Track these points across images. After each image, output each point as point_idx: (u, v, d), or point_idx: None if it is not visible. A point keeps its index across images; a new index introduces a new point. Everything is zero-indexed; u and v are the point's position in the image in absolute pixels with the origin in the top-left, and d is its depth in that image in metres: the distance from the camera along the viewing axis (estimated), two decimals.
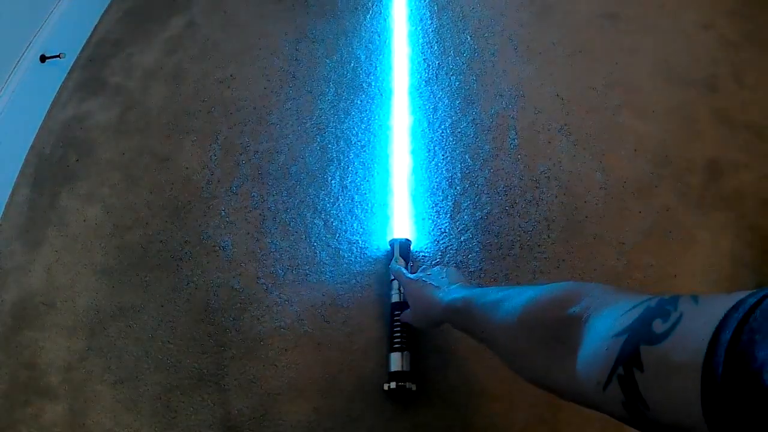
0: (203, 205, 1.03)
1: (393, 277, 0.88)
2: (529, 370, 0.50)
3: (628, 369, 0.33)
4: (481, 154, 1.04)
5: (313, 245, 0.97)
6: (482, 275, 0.92)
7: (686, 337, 0.30)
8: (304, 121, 1.11)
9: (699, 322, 0.30)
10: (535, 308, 0.48)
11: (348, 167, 1.05)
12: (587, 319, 0.41)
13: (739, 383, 0.26)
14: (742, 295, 0.29)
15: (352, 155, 1.06)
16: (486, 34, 1.19)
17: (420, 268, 0.83)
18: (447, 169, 1.03)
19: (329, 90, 1.14)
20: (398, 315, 0.84)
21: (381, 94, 1.13)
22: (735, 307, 0.29)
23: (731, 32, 1.14)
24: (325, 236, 0.98)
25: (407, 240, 0.93)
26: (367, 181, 1.03)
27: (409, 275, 0.82)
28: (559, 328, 0.44)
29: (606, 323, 0.38)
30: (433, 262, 0.94)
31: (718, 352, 0.28)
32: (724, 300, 0.30)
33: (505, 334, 0.52)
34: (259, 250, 0.97)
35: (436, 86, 1.13)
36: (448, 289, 0.70)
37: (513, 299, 0.53)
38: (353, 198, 1.01)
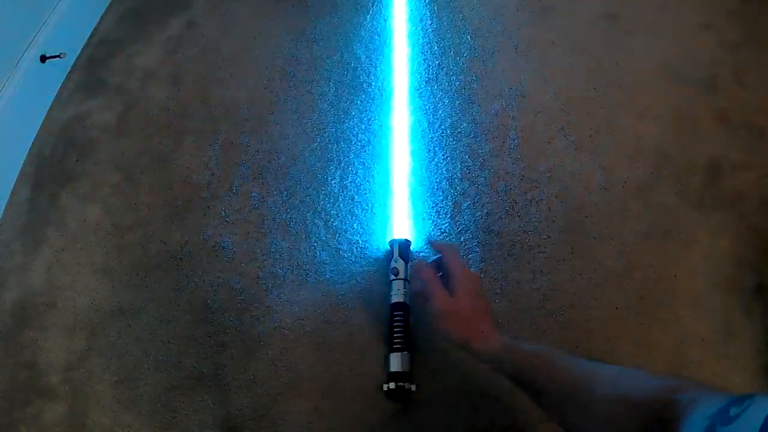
0: (203, 205, 1.03)
1: (393, 278, 0.88)
2: None
3: None
4: (481, 154, 1.04)
5: (313, 245, 0.97)
6: (482, 275, 0.92)
7: (747, 421, 0.36)
8: (304, 121, 1.11)
9: (761, 408, 0.36)
10: (646, 386, 0.51)
11: (348, 167, 1.05)
12: (692, 410, 0.44)
13: None
14: None
15: (352, 155, 1.06)
16: (486, 34, 1.19)
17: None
18: (447, 169, 1.03)
19: (329, 90, 1.14)
20: (399, 315, 0.84)
21: (381, 94, 1.13)
22: None
23: (731, 32, 1.14)
24: (325, 236, 0.98)
25: (407, 240, 0.93)
26: (367, 181, 1.03)
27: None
28: (664, 410, 0.46)
29: (702, 411, 0.42)
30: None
31: None
32: None
33: (601, 406, 0.52)
34: (259, 250, 0.97)
35: (436, 86, 1.13)
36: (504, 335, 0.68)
37: (608, 372, 0.55)
38: (353, 198, 1.01)
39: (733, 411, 0.38)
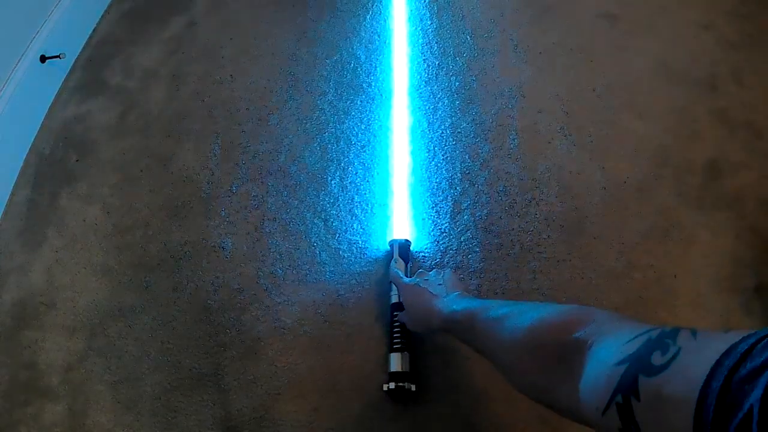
0: (203, 205, 1.03)
1: (391, 280, 0.88)
2: (530, 387, 0.51)
3: (626, 397, 0.35)
4: (481, 154, 1.04)
5: (313, 245, 0.97)
6: (482, 275, 0.92)
7: (681, 374, 0.32)
8: (304, 121, 1.11)
9: (694, 361, 0.31)
10: (541, 329, 0.49)
11: (348, 167, 1.05)
12: (591, 345, 0.42)
13: (728, 429, 0.27)
14: (736, 338, 0.30)
15: (352, 155, 1.06)
16: (486, 35, 1.19)
17: (417, 271, 0.83)
18: (447, 169, 1.03)
19: (329, 90, 1.14)
20: (398, 315, 0.84)
21: (381, 95, 1.13)
22: (727, 353, 0.30)
23: (731, 32, 1.14)
24: (325, 236, 0.98)
25: (407, 241, 0.93)
26: (367, 181, 1.03)
27: (406, 279, 0.81)
28: (563, 351, 0.45)
29: (609, 351, 0.39)
30: (434, 262, 0.94)
31: (709, 400, 0.29)
32: (719, 341, 0.31)
33: (509, 353, 0.53)
34: (259, 250, 0.97)
35: (436, 86, 1.13)
36: (447, 298, 0.69)
37: (517, 317, 0.53)
38: (353, 198, 1.01)
39: (656, 358, 0.34)
